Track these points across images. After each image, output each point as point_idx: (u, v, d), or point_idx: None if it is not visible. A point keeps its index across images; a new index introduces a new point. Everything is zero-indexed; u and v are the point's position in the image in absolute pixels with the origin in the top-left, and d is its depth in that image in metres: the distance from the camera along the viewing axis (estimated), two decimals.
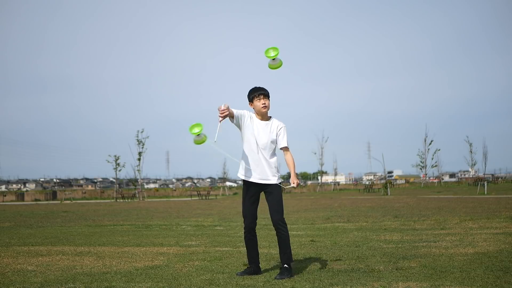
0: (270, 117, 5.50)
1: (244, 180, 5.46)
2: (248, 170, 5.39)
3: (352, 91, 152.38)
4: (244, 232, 5.48)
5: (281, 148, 5.44)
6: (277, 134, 5.42)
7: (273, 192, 5.36)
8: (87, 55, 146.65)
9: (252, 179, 5.37)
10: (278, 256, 6.62)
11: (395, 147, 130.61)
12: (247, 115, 5.40)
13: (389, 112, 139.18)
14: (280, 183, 5.41)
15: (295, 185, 5.29)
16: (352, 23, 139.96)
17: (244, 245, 5.57)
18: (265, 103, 5.37)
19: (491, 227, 9.71)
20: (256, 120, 5.43)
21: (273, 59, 5.41)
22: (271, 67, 5.48)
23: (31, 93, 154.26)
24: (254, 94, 5.41)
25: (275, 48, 5.37)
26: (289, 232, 5.52)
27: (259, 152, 5.35)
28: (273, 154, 5.44)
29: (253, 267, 5.48)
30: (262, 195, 5.56)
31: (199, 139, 5.14)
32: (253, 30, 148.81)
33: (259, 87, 5.45)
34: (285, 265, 5.29)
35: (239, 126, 5.40)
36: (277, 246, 5.50)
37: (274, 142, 5.42)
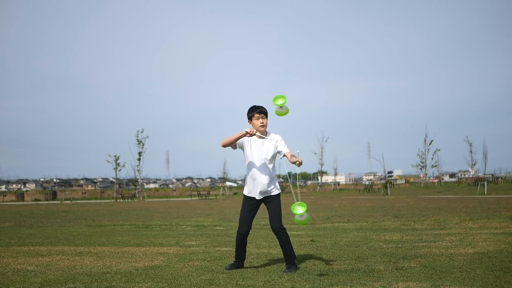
0: (267, 132, 5.78)
1: (246, 195, 5.81)
2: (251, 187, 5.73)
3: (352, 91, 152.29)
4: (237, 236, 5.84)
5: (284, 154, 5.65)
6: (275, 147, 5.68)
7: (273, 201, 5.73)
8: (87, 55, 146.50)
9: (255, 196, 5.72)
10: (278, 256, 6.76)
11: (395, 147, 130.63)
12: (246, 129, 5.67)
13: (389, 112, 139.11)
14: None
15: (299, 159, 5.32)
16: (352, 23, 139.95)
17: (235, 243, 6.00)
18: (263, 122, 5.68)
19: (491, 227, 9.71)
20: (254, 138, 5.71)
21: (281, 106, 5.68)
22: (278, 114, 5.72)
23: (31, 93, 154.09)
24: (253, 113, 5.72)
25: (283, 97, 5.64)
26: (288, 234, 5.75)
27: (260, 168, 5.66)
28: (273, 168, 5.77)
29: (239, 262, 5.90)
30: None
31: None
32: (253, 30, 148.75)
33: (258, 106, 5.74)
34: (291, 262, 5.73)
35: (242, 148, 5.77)
36: (279, 247, 5.92)
37: (274, 155, 5.71)
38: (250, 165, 5.71)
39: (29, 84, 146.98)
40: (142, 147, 42.81)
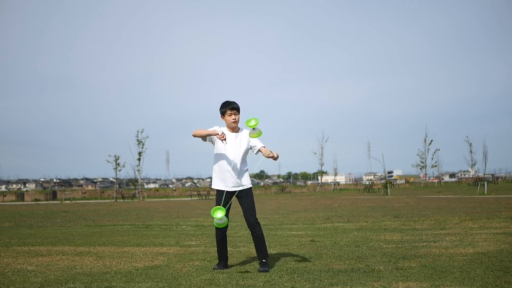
0: (239, 128, 5.90)
1: (218, 189, 5.85)
2: (221, 180, 5.82)
3: (352, 90, 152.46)
4: (216, 232, 5.90)
5: (259, 149, 5.78)
6: (248, 142, 5.83)
7: (246, 195, 5.82)
8: (87, 55, 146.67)
9: (226, 188, 5.78)
10: (277, 256, 6.73)
11: (395, 147, 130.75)
12: (218, 130, 5.76)
13: (389, 112, 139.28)
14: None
15: (275, 155, 5.62)
16: (352, 23, 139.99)
17: (216, 243, 5.99)
18: (235, 119, 5.78)
19: (491, 227, 9.71)
20: (227, 132, 5.82)
21: (253, 128, 5.78)
22: (251, 136, 5.85)
23: (31, 92, 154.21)
24: (225, 109, 5.80)
25: (255, 119, 5.78)
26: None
27: (231, 162, 5.75)
28: (244, 162, 5.86)
29: (223, 263, 5.92)
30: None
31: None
32: (253, 30, 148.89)
33: (230, 102, 5.83)
34: (263, 260, 5.76)
35: (212, 141, 5.86)
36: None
37: (246, 150, 5.84)
38: (220, 158, 5.77)
39: (29, 84, 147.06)
40: (142, 147, 42.88)
